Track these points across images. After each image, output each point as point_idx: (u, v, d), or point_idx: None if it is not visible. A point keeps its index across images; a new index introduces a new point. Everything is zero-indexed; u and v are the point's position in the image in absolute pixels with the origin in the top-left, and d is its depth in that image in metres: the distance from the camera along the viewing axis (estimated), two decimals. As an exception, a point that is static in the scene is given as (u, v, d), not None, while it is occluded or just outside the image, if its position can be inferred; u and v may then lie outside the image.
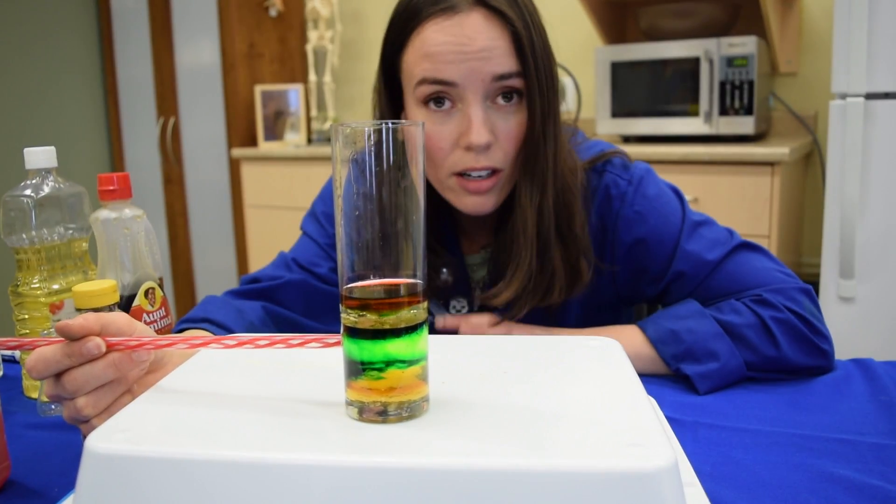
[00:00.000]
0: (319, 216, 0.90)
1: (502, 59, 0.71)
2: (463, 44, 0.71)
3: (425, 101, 0.74)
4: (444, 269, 0.85)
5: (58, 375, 0.50)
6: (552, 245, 0.77)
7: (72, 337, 0.49)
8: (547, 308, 0.83)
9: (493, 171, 0.75)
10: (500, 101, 0.74)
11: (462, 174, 0.75)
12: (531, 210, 0.76)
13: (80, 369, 0.49)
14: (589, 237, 0.80)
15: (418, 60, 0.73)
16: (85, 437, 0.51)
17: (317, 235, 0.88)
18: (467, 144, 0.73)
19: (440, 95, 0.73)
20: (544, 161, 0.75)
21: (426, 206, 0.42)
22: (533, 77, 0.72)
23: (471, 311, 0.87)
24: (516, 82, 0.73)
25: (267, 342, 0.48)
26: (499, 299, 0.78)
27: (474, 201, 0.76)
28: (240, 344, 0.48)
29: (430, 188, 0.81)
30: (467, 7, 0.71)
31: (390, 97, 0.80)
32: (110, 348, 0.49)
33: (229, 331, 0.74)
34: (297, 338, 0.47)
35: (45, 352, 0.50)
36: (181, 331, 0.73)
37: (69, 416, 0.52)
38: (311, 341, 0.47)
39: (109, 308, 0.57)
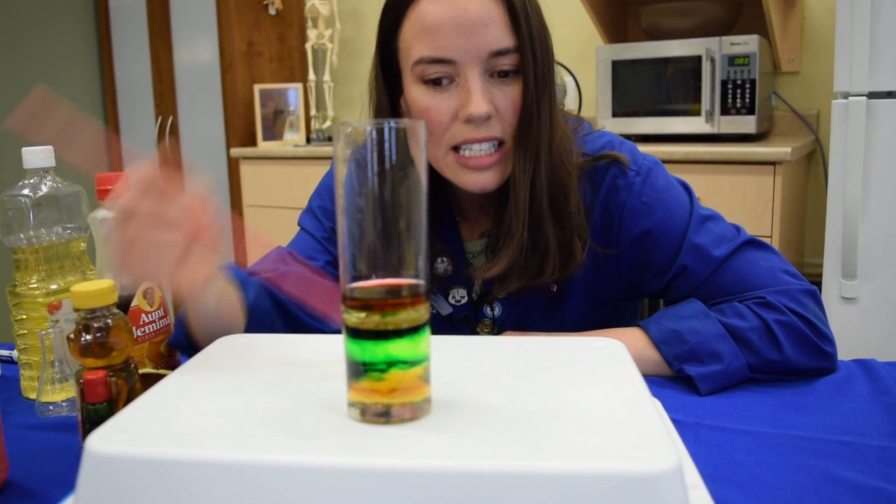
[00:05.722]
0: (316, 210, 0.90)
1: (498, 33, 0.72)
2: (459, 15, 0.71)
3: (423, 81, 0.74)
4: (444, 259, 0.84)
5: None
6: (545, 220, 0.76)
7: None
8: (549, 301, 0.83)
9: (497, 144, 0.75)
10: (497, 76, 0.74)
11: (459, 150, 0.75)
12: (524, 180, 0.75)
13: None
14: (584, 217, 0.79)
15: (415, 37, 0.73)
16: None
17: (313, 230, 0.88)
18: (467, 116, 0.73)
19: (439, 77, 0.73)
20: (538, 132, 0.75)
21: (428, 205, 0.42)
22: (528, 49, 0.73)
23: (470, 300, 0.87)
24: (512, 59, 0.73)
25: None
26: (491, 272, 0.77)
27: (476, 178, 0.76)
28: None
29: (430, 167, 0.80)
30: None
31: (387, 80, 0.79)
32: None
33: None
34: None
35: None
36: None
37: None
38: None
39: (107, 308, 0.56)
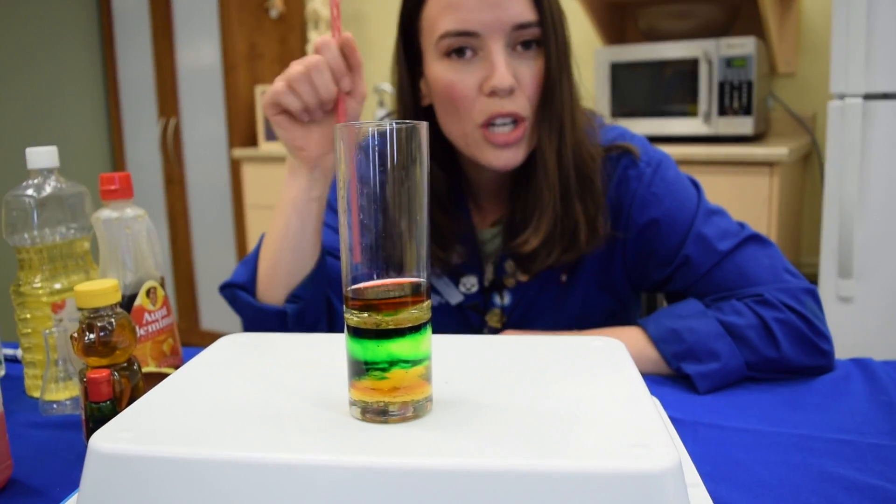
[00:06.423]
0: (333, 202, 0.91)
1: (521, 6, 0.74)
2: None
3: (447, 54, 0.76)
4: (457, 246, 0.85)
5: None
6: (573, 194, 0.78)
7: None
8: (558, 290, 0.83)
9: (517, 121, 0.76)
10: (520, 48, 0.76)
11: (488, 126, 0.76)
12: (551, 152, 0.77)
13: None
14: (604, 196, 0.81)
15: (440, 13, 0.75)
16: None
17: (333, 222, 0.89)
18: (491, 89, 0.74)
19: (462, 46, 0.75)
20: (560, 105, 0.77)
21: (430, 202, 0.42)
22: (549, 25, 0.75)
23: (482, 287, 0.87)
24: (534, 32, 0.75)
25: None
26: (527, 246, 0.79)
27: (502, 155, 0.77)
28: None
29: (445, 154, 0.82)
30: None
31: (408, 60, 0.81)
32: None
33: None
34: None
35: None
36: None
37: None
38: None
39: (111, 307, 0.57)
